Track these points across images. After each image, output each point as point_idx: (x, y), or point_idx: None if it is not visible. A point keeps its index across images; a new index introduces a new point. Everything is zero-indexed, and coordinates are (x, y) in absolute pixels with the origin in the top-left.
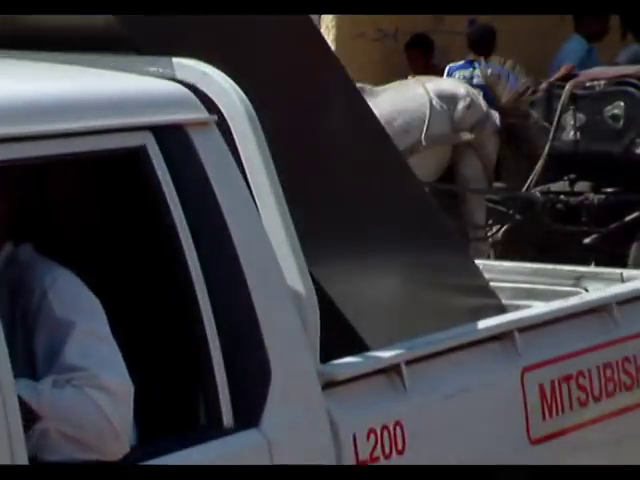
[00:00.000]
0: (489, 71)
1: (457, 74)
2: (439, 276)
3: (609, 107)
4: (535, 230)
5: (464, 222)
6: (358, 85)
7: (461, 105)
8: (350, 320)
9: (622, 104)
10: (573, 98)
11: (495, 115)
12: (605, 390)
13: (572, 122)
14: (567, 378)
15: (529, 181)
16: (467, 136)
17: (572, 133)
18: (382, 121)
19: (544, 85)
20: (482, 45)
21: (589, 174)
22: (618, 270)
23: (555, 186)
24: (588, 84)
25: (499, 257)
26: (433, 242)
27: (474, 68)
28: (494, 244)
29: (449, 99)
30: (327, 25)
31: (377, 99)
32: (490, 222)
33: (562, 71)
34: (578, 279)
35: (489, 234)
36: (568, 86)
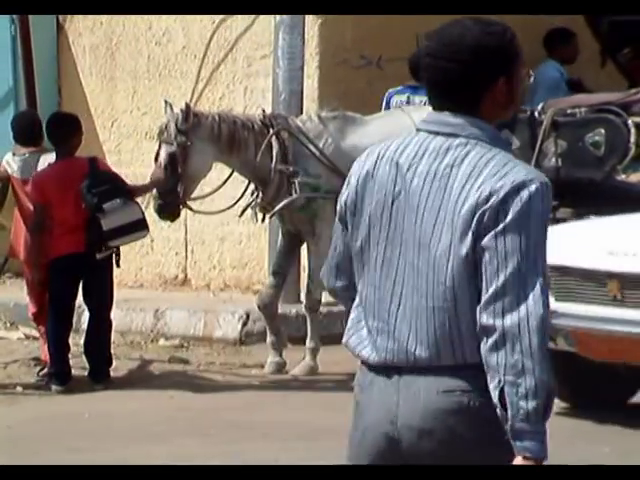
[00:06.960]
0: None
1: (395, 99)
2: None
3: (590, 134)
4: None
5: None
6: (350, 114)
7: None
8: None
9: (603, 131)
10: (554, 125)
11: None
12: None
13: (553, 149)
14: None
15: None
16: None
17: (554, 160)
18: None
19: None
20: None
21: (571, 201)
22: None
23: None
24: (569, 111)
25: None
26: None
27: (410, 94)
28: None
29: None
30: (311, 52)
31: (368, 127)
32: None
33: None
34: None
35: None
36: (549, 113)
